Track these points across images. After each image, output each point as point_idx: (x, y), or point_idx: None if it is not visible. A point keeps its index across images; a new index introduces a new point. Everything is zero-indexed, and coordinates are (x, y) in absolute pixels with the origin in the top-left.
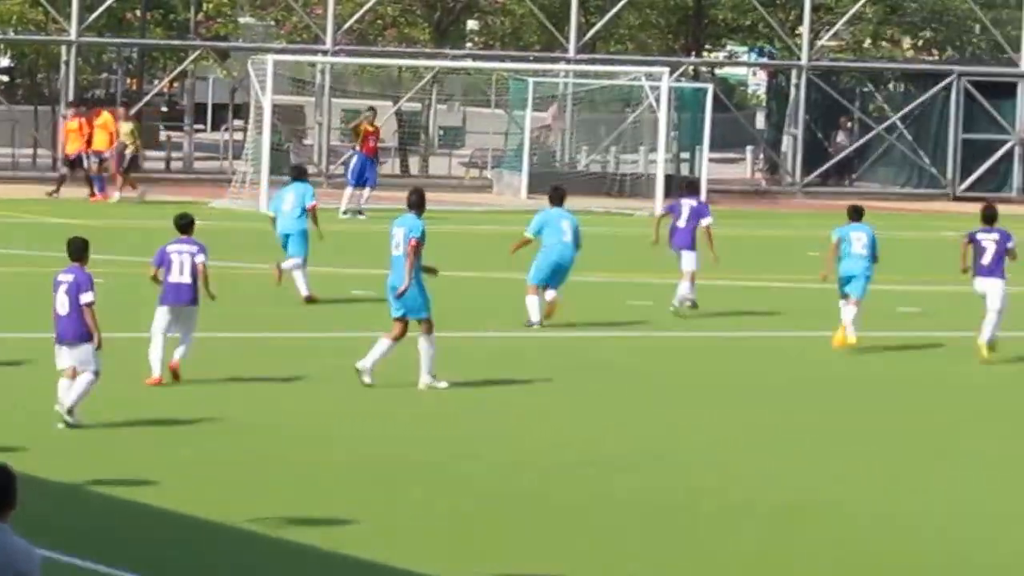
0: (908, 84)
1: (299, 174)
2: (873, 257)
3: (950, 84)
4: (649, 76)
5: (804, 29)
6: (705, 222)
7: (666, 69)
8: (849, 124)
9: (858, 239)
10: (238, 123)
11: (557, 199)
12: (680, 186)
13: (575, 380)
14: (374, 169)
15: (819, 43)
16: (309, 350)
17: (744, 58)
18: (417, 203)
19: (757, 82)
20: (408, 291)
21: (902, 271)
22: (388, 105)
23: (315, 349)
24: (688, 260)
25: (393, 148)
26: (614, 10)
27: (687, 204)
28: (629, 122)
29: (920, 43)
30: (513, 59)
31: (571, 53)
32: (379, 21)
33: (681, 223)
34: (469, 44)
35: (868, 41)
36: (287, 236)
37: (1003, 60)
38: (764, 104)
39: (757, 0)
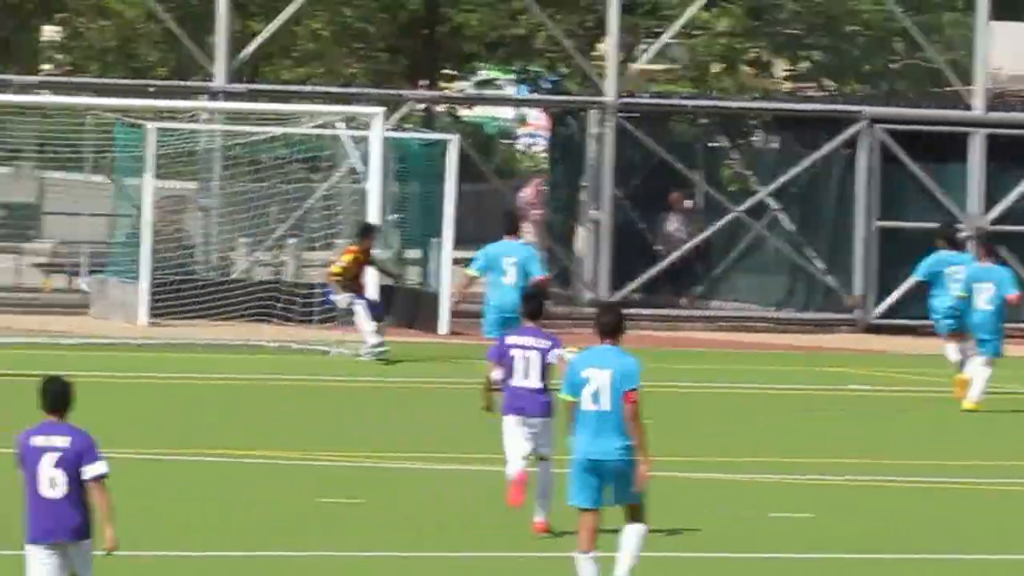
0: (787, 136)
1: None
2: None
3: (856, 136)
4: (351, 121)
5: (609, 44)
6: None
7: (379, 109)
8: (688, 203)
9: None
10: None
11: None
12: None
13: None
14: None
15: (634, 67)
16: None
17: (510, 92)
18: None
19: (532, 131)
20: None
21: (777, 451)
22: None
23: None
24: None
25: None
26: (290, 8)
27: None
28: (318, 197)
29: (805, 69)
30: (124, 91)
31: (220, 81)
32: None
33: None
34: (47, 66)
35: (718, 65)
36: None
37: (943, 98)
38: (546, 168)
39: None
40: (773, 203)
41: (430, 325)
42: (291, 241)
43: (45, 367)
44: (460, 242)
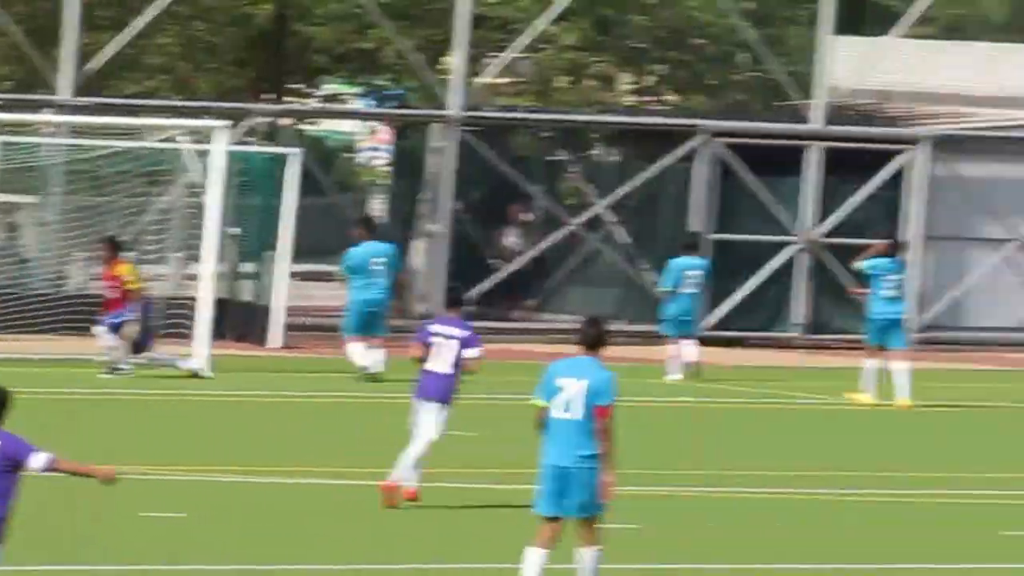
0: (627, 150)
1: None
2: None
3: (694, 150)
4: (195, 134)
5: (455, 58)
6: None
7: (224, 123)
8: (527, 216)
9: None
10: None
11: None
12: None
13: None
14: None
15: (480, 80)
16: None
17: (354, 105)
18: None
19: (375, 144)
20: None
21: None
22: None
23: None
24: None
25: None
26: (139, 21)
27: None
28: (155, 210)
29: (650, 83)
30: None
31: (66, 94)
32: None
33: None
34: None
35: (563, 79)
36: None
37: (783, 112)
38: (388, 182)
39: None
40: (609, 216)
41: (261, 338)
42: (128, 255)
43: None
44: (300, 255)
